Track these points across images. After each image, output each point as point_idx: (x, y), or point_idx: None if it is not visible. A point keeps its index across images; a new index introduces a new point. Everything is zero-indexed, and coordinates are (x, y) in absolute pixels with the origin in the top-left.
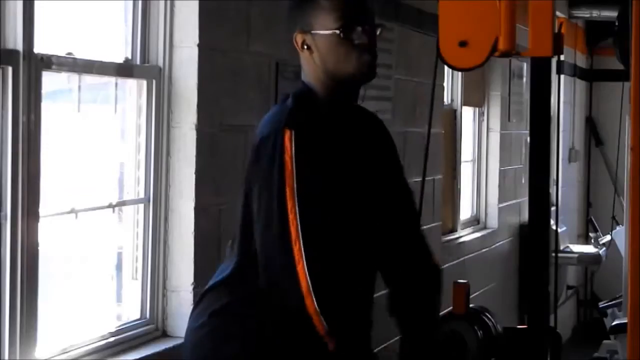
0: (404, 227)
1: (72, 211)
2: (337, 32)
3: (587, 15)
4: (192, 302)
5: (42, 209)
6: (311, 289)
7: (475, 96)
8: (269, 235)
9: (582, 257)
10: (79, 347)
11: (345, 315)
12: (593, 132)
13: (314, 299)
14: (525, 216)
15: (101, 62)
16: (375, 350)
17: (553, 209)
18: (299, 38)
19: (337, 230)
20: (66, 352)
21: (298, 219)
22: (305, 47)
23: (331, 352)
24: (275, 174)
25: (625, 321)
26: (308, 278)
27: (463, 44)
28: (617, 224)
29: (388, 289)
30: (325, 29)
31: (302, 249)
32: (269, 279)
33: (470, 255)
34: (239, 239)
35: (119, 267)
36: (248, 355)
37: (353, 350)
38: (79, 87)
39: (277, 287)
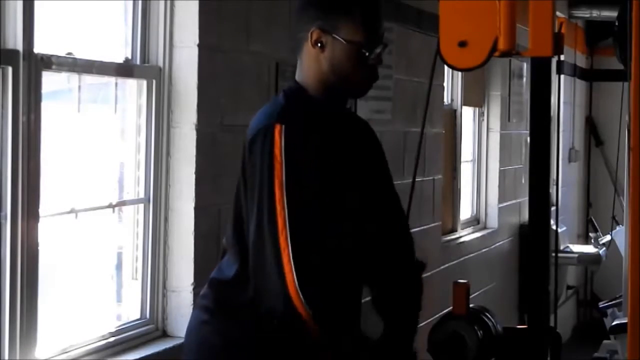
0: (387, 227)
1: (72, 211)
2: (363, 48)
3: (587, 15)
4: (192, 302)
5: (42, 209)
6: (295, 274)
7: (475, 96)
8: (258, 227)
9: (582, 257)
10: (79, 347)
11: (329, 303)
12: (593, 132)
13: (297, 284)
14: (525, 216)
15: (101, 62)
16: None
17: (553, 209)
18: (315, 34)
19: (324, 223)
20: (66, 352)
21: (286, 210)
22: (319, 45)
23: (315, 339)
24: (265, 167)
25: (625, 321)
26: (292, 264)
27: (463, 44)
28: (617, 224)
29: (370, 290)
30: (350, 38)
31: (288, 238)
32: (256, 272)
33: (470, 255)
34: (234, 242)
35: (119, 267)
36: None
37: (338, 335)
38: (79, 87)
39: (264, 276)
